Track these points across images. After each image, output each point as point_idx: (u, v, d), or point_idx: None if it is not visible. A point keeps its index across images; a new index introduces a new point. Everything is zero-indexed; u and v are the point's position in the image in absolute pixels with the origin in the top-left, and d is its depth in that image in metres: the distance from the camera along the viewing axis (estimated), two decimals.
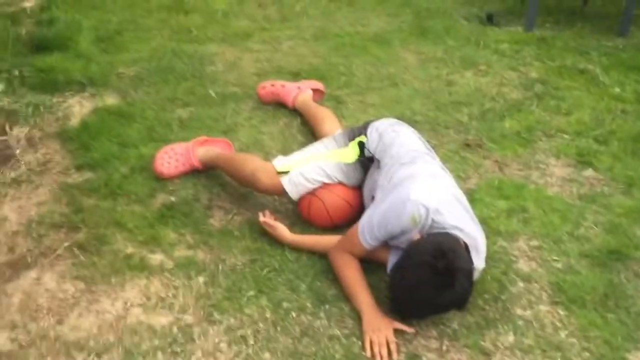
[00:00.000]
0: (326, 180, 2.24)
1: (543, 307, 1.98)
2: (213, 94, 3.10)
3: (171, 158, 2.53)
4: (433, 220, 1.88)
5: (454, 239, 1.85)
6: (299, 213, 2.32)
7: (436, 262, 1.75)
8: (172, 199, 2.44)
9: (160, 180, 2.51)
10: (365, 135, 2.27)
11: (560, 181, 2.55)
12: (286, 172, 2.26)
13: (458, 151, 2.70)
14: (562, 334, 1.89)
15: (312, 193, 2.25)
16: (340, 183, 2.26)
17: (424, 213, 1.88)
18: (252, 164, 2.33)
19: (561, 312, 1.96)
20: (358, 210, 2.26)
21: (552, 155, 2.70)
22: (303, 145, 2.72)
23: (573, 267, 2.12)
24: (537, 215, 2.34)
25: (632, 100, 3.07)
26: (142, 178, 2.55)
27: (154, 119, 2.90)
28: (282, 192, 2.27)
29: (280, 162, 2.29)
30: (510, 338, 1.88)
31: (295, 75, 3.22)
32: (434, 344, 1.87)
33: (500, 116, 2.95)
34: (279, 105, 2.98)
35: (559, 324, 1.92)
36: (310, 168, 2.25)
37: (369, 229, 1.98)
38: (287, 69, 3.32)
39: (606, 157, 2.66)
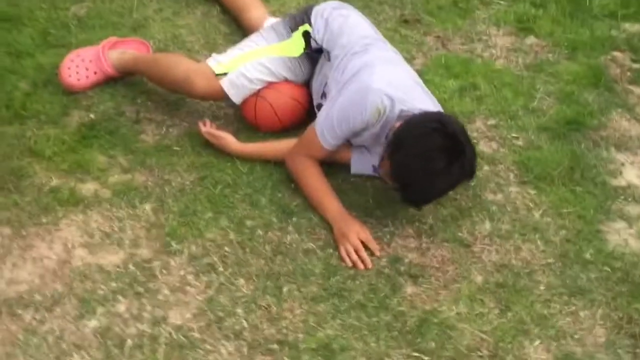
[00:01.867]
0: (271, 79, 2.01)
1: (513, 189, 1.94)
2: None
3: (79, 67, 2.17)
4: (401, 110, 1.73)
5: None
6: (243, 118, 2.09)
7: (443, 127, 1.64)
8: (91, 115, 2.12)
9: (71, 94, 2.17)
10: (310, 23, 2.02)
11: (505, 52, 2.45)
12: (225, 74, 1.99)
13: (397, 29, 2.50)
14: (537, 214, 1.86)
15: (256, 94, 2.01)
16: (286, 80, 2.03)
17: (389, 104, 1.73)
18: (184, 66, 2.03)
19: (531, 192, 1.93)
20: (307, 108, 2.07)
21: (493, 25, 2.57)
22: (228, 37, 2.44)
23: (534, 143, 2.07)
24: (489, 92, 2.25)
25: None
26: (48, 94, 2.19)
27: (46, 20, 2.47)
28: (222, 97, 2.02)
29: (216, 62, 2.01)
30: (487, 225, 1.84)
31: None
32: (413, 242, 1.79)
33: None
34: None
35: (531, 204, 1.89)
36: (252, 66, 1.99)
37: (328, 127, 1.81)
38: None
39: (545, 22, 2.56)
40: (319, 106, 1.96)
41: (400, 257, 1.75)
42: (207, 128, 2.00)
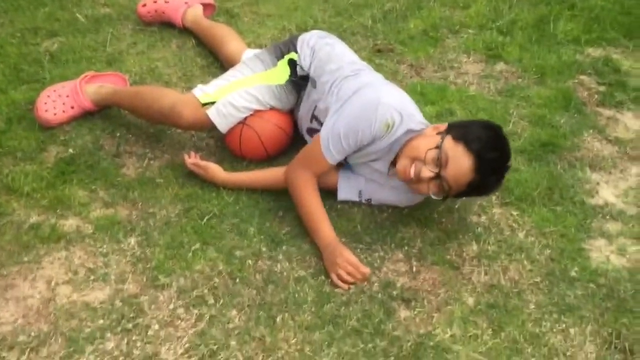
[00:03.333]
0: (258, 107, 2.01)
1: (496, 210, 1.97)
2: (82, 18, 2.65)
3: (56, 102, 2.14)
4: (409, 130, 1.78)
5: None
6: (227, 147, 2.08)
7: (488, 123, 1.82)
8: (70, 150, 2.09)
9: (47, 129, 2.14)
10: (296, 51, 2.04)
11: (477, 78, 2.52)
12: (211, 103, 1.99)
13: (371, 58, 2.55)
14: (521, 235, 1.90)
15: (242, 123, 2.01)
16: (272, 108, 2.04)
17: (398, 119, 1.77)
18: (170, 97, 2.02)
19: (514, 213, 1.97)
20: (292, 137, 2.08)
21: (463, 52, 2.65)
22: (205, 69, 2.45)
23: (512, 166, 2.11)
24: (465, 117, 2.30)
25: None
26: (22, 130, 2.15)
27: (18, 55, 2.44)
28: (208, 126, 2.01)
29: (202, 92, 2.01)
30: (474, 247, 1.86)
31: None
32: (403, 266, 1.80)
33: (403, 16, 2.83)
34: (165, 25, 2.62)
35: (515, 225, 1.93)
36: (238, 95, 1.99)
37: (333, 141, 1.80)
38: None
39: (513, 49, 2.65)
40: (310, 130, 1.98)
41: (392, 282, 1.75)
42: (192, 159, 1.98)
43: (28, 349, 1.56)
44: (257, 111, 2.01)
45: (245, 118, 2.01)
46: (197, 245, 1.81)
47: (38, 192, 1.94)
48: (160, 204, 1.93)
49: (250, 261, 1.78)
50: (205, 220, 1.88)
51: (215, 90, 2.00)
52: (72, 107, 2.15)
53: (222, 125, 1.99)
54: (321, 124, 1.90)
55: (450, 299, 1.72)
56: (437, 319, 1.67)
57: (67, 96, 2.15)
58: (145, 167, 2.04)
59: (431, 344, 1.62)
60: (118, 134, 2.15)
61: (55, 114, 2.13)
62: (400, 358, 1.59)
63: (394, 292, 1.72)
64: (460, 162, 1.68)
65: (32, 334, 1.60)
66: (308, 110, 2.00)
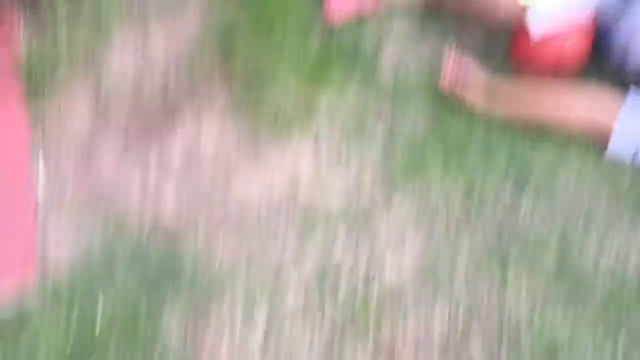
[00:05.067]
0: (579, 11, 1.73)
1: None
2: None
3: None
4: None
5: None
6: (513, 55, 1.86)
7: None
8: (334, 37, 2.05)
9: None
10: None
11: None
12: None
13: None
14: None
15: (552, 35, 1.76)
16: (588, 21, 1.76)
17: None
18: None
19: None
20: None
21: None
22: None
23: None
24: None
25: None
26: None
27: None
28: (519, 25, 1.77)
29: None
30: None
31: None
32: None
33: None
34: None
35: None
36: None
37: None
38: None
39: None
40: None
41: None
42: (447, 80, 1.84)
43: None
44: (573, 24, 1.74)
45: (556, 30, 1.75)
46: (438, 167, 1.75)
47: (303, 65, 1.93)
48: (410, 114, 1.86)
49: (491, 197, 1.70)
50: (448, 141, 1.78)
51: None
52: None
53: (536, 29, 1.74)
54: None
55: None
56: None
57: None
58: (402, 73, 1.96)
59: None
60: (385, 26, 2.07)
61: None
62: None
63: None
64: None
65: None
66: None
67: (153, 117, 1.89)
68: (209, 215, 1.72)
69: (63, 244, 1.69)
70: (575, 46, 1.78)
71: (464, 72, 1.82)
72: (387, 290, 1.60)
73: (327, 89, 1.91)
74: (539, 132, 1.76)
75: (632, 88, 1.64)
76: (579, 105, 1.69)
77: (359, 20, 2.09)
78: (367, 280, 1.61)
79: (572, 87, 1.70)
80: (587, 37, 1.79)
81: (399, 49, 2.03)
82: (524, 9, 1.75)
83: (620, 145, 1.66)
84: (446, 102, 1.88)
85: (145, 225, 1.71)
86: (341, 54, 2.00)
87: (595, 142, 1.69)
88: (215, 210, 1.73)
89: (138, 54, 1.98)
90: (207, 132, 1.87)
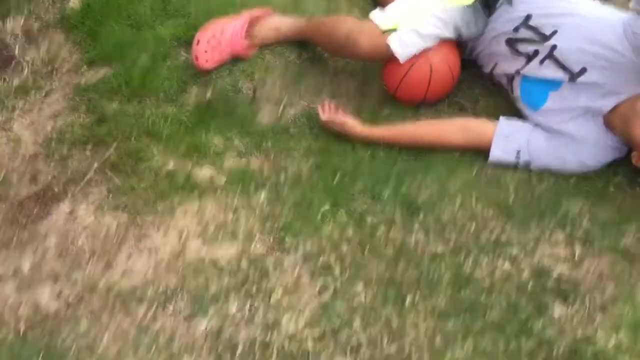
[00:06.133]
0: (445, 34, 1.76)
1: None
2: None
3: (215, 48, 2.02)
4: None
5: None
6: (385, 81, 1.87)
7: None
8: (208, 94, 2.01)
9: (189, 69, 2.07)
10: None
11: None
12: (393, 30, 1.75)
13: None
14: None
15: (419, 56, 1.77)
16: (453, 40, 1.78)
17: None
18: (345, 25, 1.82)
19: None
20: (454, 85, 1.82)
21: None
22: None
23: None
24: None
25: None
26: (166, 69, 2.11)
27: None
28: (385, 57, 1.79)
29: (381, 18, 1.77)
30: None
31: None
32: (563, 252, 1.55)
33: None
34: None
35: None
36: (424, 21, 1.73)
37: None
38: None
39: None
40: (510, 41, 1.74)
41: (547, 270, 1.50)
42: (327, 115, 1.81)
43: (155, 304, 1.57)
44: (439, 43, 1.76)
45: (424, 51, 1.77)
46: (327, 207, 1.68)
47: (176, 137, 1.91)
48: (293, 156, 1.81)
49: (382, 229, 1.61)
50: (337, 178, 1.72)
51: (395, 14, 1.76)
52: (227, 53, 2.04)
53: (402, 55, 1.76)
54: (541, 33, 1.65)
55: (620, 298, 1.42)
56: (600, 321, 1.40)
57: (227, 41, 2.03)
58: (280, 115, 1.92)
59: (589, 351, 1.36)
60: (256, 77, 2.04)
61: (207, 61, 2.03)
62: None
63: (548, 283, 1.47)
64: None
65: (160, 288, 1.59)
66: (506, 23, 1.75)
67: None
68: (91, 303, 1.58)
69: None
70: (444, 61, 1.77)
71: (338, 120, 1.80)
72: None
73: (205, 159, 1.84)
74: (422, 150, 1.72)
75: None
76: (455, 135, 1.71)
77: (233, 64, 2.05)
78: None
79: (443, 122, 1.74)
80: (452, 50, 1.78)
81: (277, 90, 1.99)
82: (386, 36, 1.73)
83: (502, 146, 1.67)
84: (329, 136, 1.82)
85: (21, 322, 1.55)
86: (216, 114, 1.95)
87: (479, 149, 1.66)
88: (96, 298, 1.59)
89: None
90: (84, 218, 1.75)
